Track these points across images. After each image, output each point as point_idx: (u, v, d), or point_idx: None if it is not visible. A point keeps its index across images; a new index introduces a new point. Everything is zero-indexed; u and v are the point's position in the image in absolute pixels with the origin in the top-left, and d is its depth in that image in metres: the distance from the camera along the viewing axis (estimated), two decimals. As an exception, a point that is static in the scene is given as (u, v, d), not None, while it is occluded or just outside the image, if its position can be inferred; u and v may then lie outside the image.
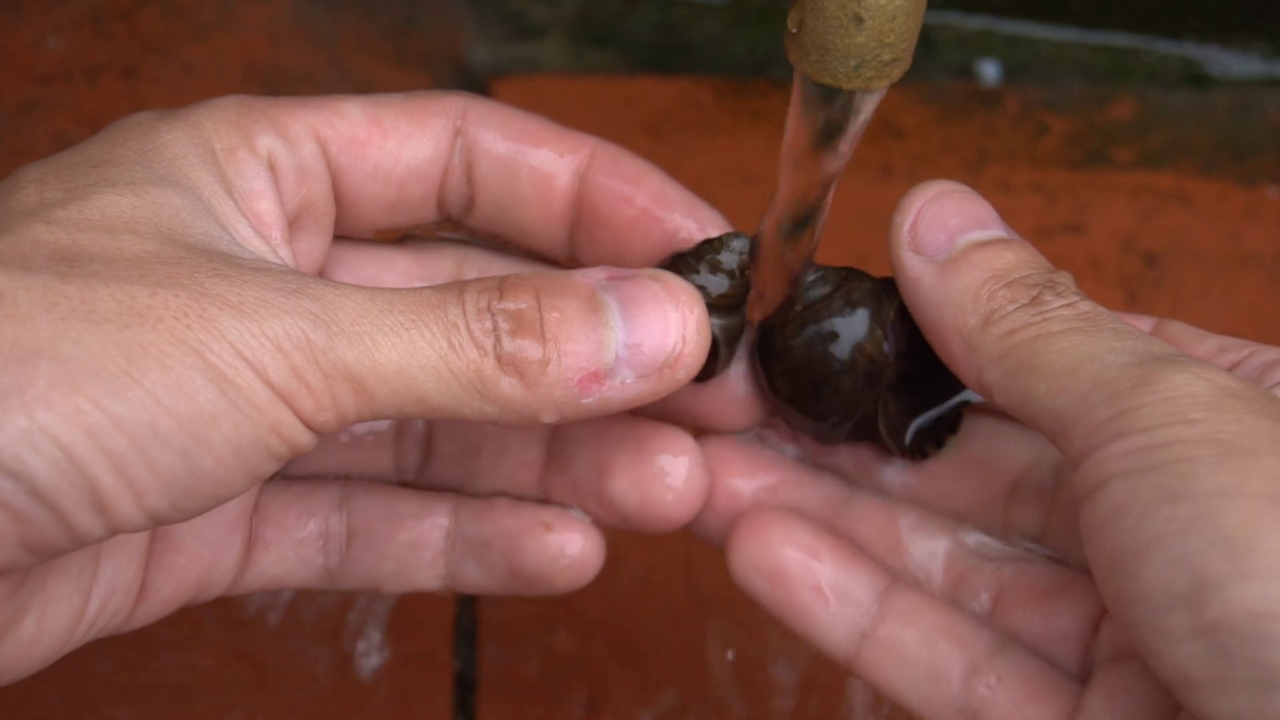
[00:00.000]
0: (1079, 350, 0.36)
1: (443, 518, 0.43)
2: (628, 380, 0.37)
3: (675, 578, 0.56)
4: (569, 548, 0.42)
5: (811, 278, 0.41)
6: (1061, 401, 0.35)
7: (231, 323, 0.34)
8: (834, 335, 0.41)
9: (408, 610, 0.56)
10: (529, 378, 0.36)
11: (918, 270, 0.38)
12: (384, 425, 0.44)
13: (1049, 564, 0.41)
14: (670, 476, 0.42)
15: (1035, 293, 0.37)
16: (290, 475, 0.43)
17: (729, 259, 0.41)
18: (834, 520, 0.42)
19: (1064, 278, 0.38)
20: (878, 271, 0.41)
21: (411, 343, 0.35)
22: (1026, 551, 0.41)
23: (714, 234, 0.41)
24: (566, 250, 0.43)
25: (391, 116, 0.41)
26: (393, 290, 0.36)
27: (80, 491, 0.32)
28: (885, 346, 0.40)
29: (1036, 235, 0.64)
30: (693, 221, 0.42)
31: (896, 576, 0.41)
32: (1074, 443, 0.35)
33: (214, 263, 0.35)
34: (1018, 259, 0.38)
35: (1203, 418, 0.33)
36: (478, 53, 0.68)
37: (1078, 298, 0.37)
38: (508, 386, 0.36)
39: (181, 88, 0.66)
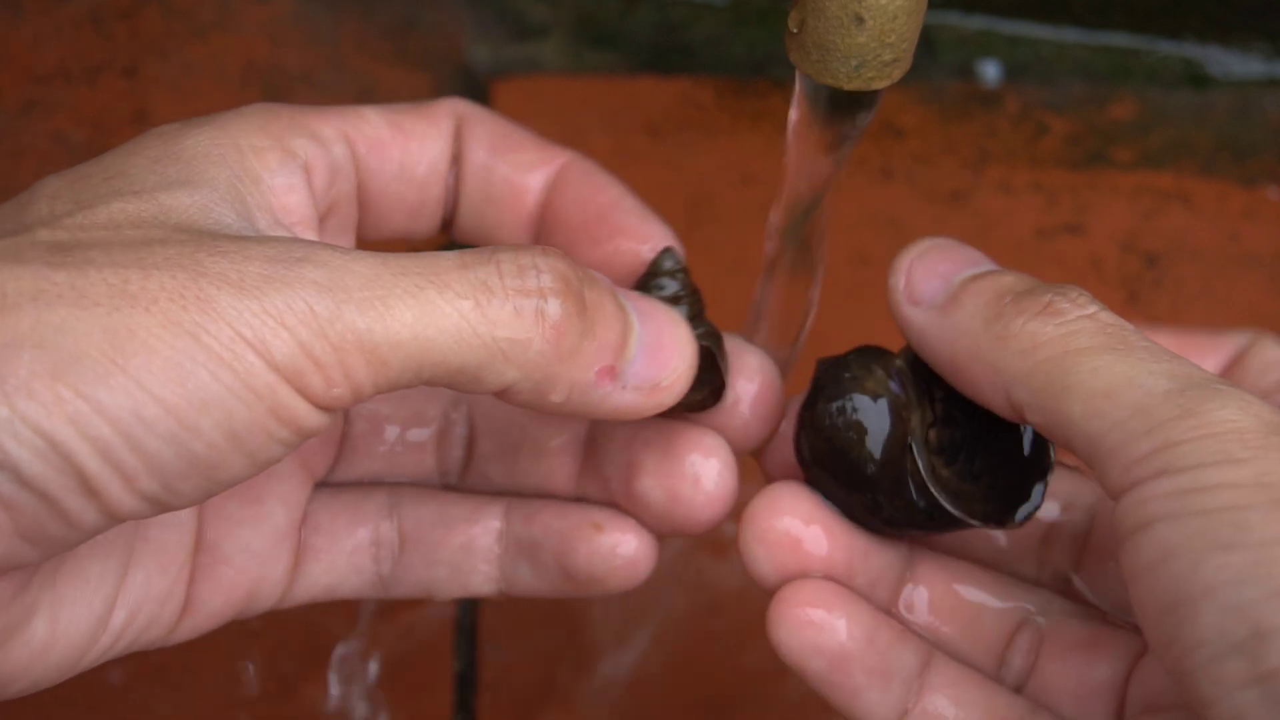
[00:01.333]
0: (1113, 371, 0.35)
1: (495, 521, 0.42)
2: (627, 387, 0.37)
3: (673, 577, 0.56)
4: (621, 548, 0.41)
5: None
6: (1097, 426, 0.34)
7: (231, 301, 0.33)
8: (834, 385, 0.40)
9: (408, 609, 0.56)
10: (564, 347, 0.35)
11: (921, 319, 0.38)
12: (427, 432, 0.43)
13: (1084, 617, 0.41)
14: (700, 477, 0.41)
15: (1046, 300, 0.36)
16: (336, 483, 0.43)
17: (670, 282, 0.41)
18: (895, 582, 0.41)
19: (1073, 288, 0.37)
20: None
21: (429, 302, 0.34)
22: (1069, 603, 0.41)
23: (649, 247, 0.42)
24: None
25: (409, 120, 0.41)
26: (407, 254, 0.35)
27: (67, 478, 0.32)
28: (892, 387, 0.40)
29: (1036, 235, 0.64)
30: (635, 240, 0.42)
31: (935, 647, 0.40)
32: (1113, 473, 0.34)
33: (217, 241, 0.34)
34: (1016, 279, 0.38)
35: (1250, 457, 0.32)
36: (478, 53, 0.68)
37: (1096, 308, 0.36)
38: (537, 352, 0.35)
39: (182, 88, 0.66)
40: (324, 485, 0.43)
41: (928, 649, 0.40)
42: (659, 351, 0.37)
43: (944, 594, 0.41)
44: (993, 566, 0.42)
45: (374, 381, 0.34)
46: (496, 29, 0.69)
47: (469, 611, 0.56)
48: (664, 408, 0.38)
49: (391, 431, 0.43)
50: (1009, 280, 0.38)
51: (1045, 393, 0.35)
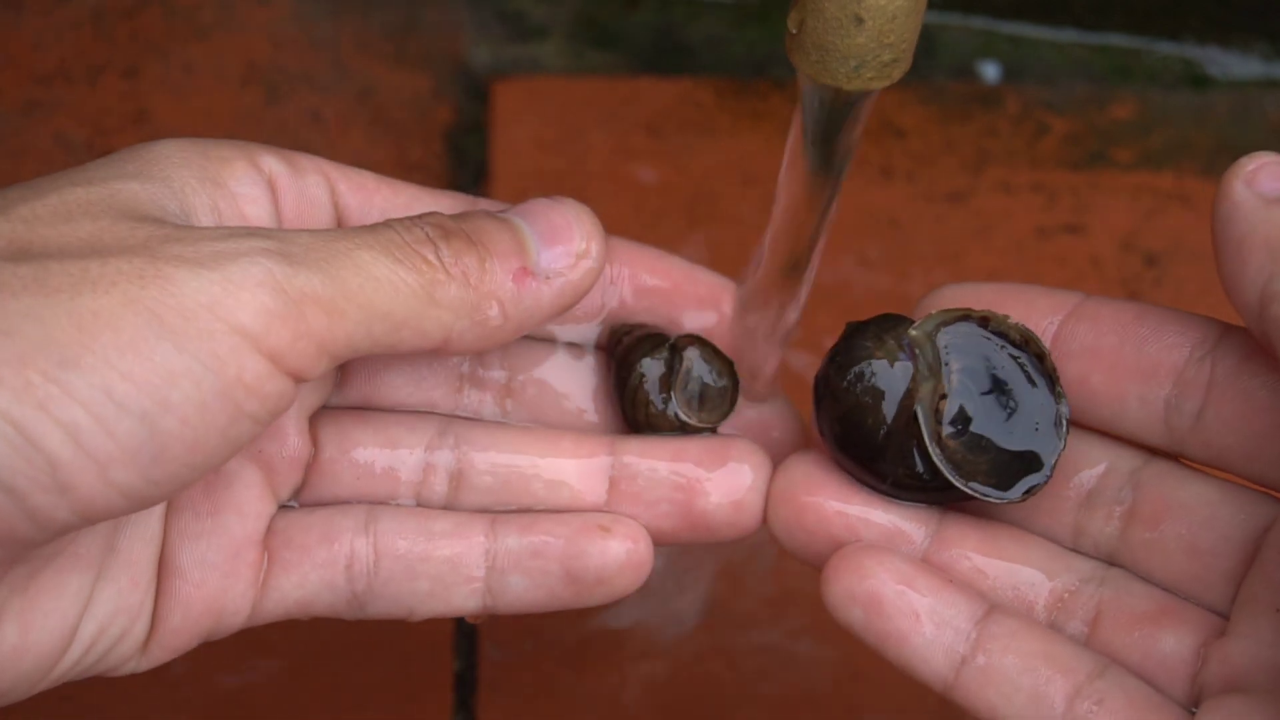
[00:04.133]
0: None
1: (480, 535, 0.42)
2: (552, 277, 0.40)
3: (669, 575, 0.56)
4: (630, 549, 0.42)
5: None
6: None
7: (189, 276, 0.34)
8: (848, 353, 0.41)
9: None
10: (472, 278, 0.38)
11: (1243, 196, 0.39)
12: (403, 462, 0.43)
13: (1147, 585, 0.41)
14: (754, 486, 0.42)
15: None
16: (309, 503, 0.43)
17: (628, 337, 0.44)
18: (928, 542, 0.42)
19: None
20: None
21: (363, 260, 0.37)
22: (1124, 571, 0.41)
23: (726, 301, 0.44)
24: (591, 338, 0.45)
25: (402, 184, 0.43)
26: (333, 229, 0.38)
27: (38, 470, 0.32)
28: (901, 356, 0.41)
29: (1037, 235, 0.64)
30: (716, 301, 0.44)
31: (995, 603, 0.41)
32: None
33: (165, 229, 0.36)
34: None
35: None
36: (478, 53, 0.68)
37: None
38: (456, 289, 0.38)
39: (182, 88, 0.66)
40: (295, 504, 0.43)
41: (984, 603, 0.41)
42: (560, 231, 0.40)
43: (976, 558, 0.41)
44: (1029, 531, 0.42)
45: (332, 335, 0.36)
46: (496, 29, 0.69)
47: (469, 611, 0.56)
48: (596, 272, 0.41)
49: (362, 455, 0.43)
50: None
51: None
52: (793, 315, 0.43)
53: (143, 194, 0.37)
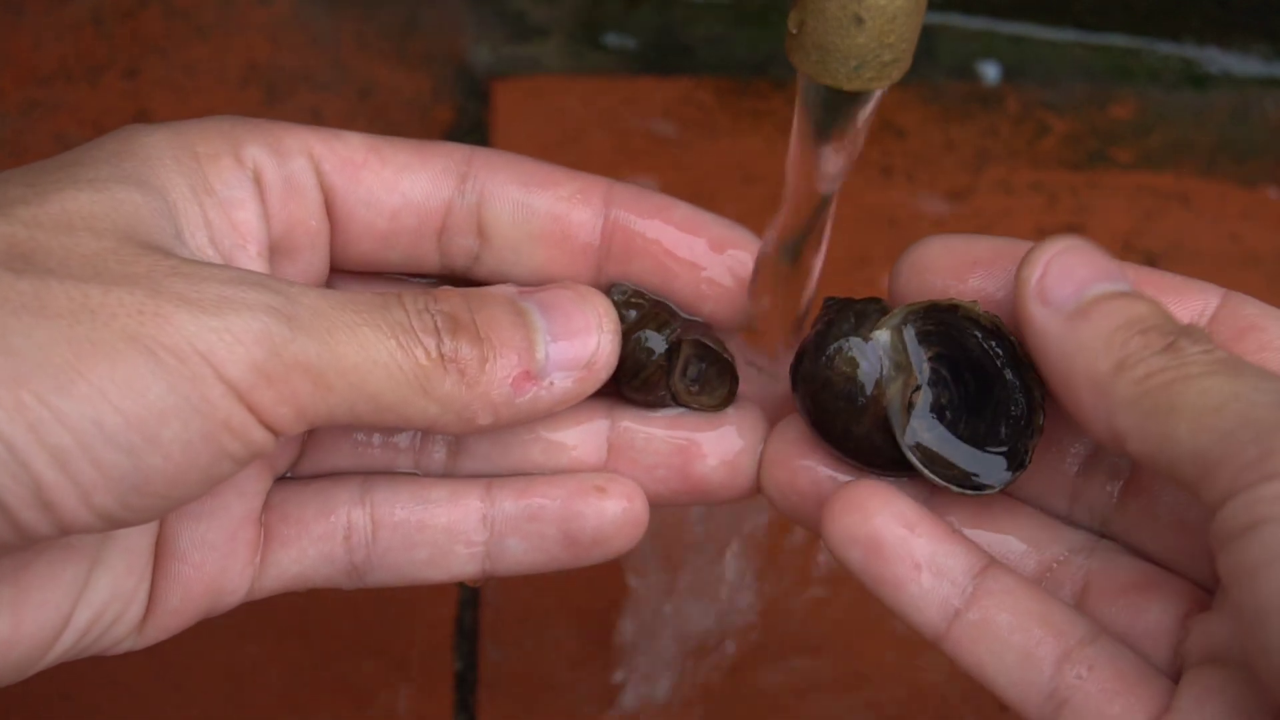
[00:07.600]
0: (1222, 390, 0.35)
1: (476, 500, 0.42)
2: (556, 381, 0.39)
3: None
4: (626, 507, 0.42)
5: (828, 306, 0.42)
6: (1205, 440, 0.34)
7: (188, 319, 0.34)
8: (819, 346, 0.41)
9: (408, 609, 0.56)
10: (469, 376, 0.38)
11: (1045, 320, 0.38)
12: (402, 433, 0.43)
13: (1134, 557, 0.41)
14: (748, 448, 0.43)
15: (1170, 340, 0.36)
16: (305, 474, 0.43)
17: (629, 312, 0.42)
18: (923, 503, 0.42)
19: (1198, 330, 0.37)
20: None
21: (365, 339, 0.36)
22: (1113, 543, 0.41)
23: (738, 254, 0.43)
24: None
25: (391, 149, 0.42)
26: (345, 292, 0.37)
27: (23, 487, 0.33)
28: (870, 350, 0.41)
29: (1037, 235, 0.64)
30: (736, 248, 0.43)
31: (994, 559, 0.40)
32: (1219, 484, 0.34)
33: (171, 261, 0.35)
34: (1150, 310, 0.37)
35: None
36: (478, 53, 0.68)
37: (1214, 346, 0.36)
38: (450, 385, 0.38)
39: (183, 88, 0.66)
40: (292, 476, 0.43)
41: (984, 556, 0.40)
42: (574, 335, 0.40)
43: (964, 528, 0.41)
44: (1024, 501, 0.42)
45: (314, 405, 0.36)
46: (496, 29, 0.69)
47: (469, 611, 0.56)
48: (601, 382, 0.40)
49: (361, 430, 0.43)
50: (1141, 310, 0.37)
51: (1152, 416, 0.35)
52: (807, 293, 0.43)
53: (144, 210, 0.37)
